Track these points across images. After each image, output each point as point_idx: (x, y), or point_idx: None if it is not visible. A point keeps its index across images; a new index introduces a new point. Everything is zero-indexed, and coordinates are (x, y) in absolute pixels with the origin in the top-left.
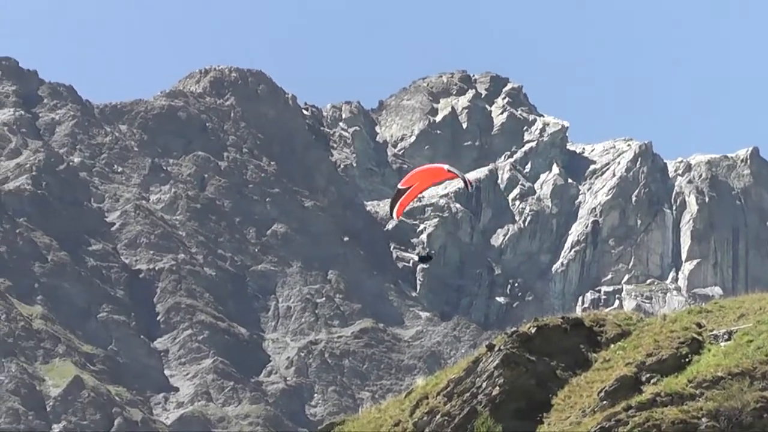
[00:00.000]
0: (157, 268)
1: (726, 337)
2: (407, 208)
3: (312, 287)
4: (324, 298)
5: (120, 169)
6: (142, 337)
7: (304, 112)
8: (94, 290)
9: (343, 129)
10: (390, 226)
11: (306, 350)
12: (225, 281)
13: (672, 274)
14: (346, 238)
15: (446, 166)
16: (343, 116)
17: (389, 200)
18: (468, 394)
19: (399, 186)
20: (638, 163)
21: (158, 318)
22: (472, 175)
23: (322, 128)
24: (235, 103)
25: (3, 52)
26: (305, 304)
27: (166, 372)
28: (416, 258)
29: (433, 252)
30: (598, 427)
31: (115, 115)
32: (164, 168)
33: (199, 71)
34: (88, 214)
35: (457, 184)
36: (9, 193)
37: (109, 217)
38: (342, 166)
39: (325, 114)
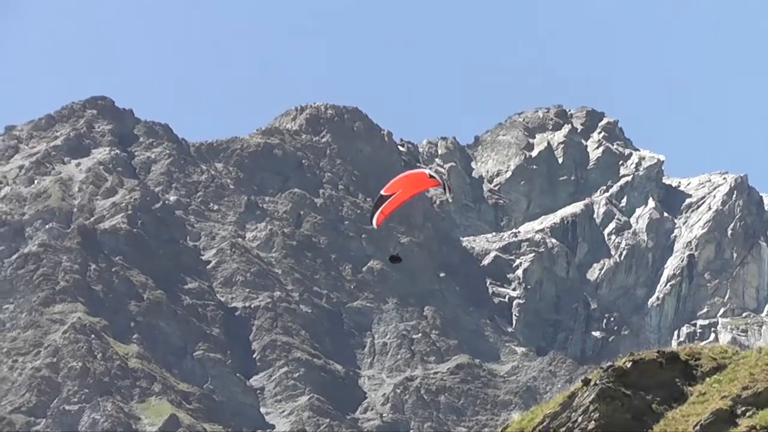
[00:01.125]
0: (252, 305)
1: None
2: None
3: (408, 323)
4: (420, 334)
5: (216, 207)
6: (238, 375)
7: (400, 148)
8: (190, 328)
9: (439, 165)
10: (486, 261)
11: (402, 386)
12: (321, 318)
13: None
14: (442, 274)
15: (428, 171)
16: (439, 152)
17: (485, 236)
18: (564, 429)
19: (382, 192)
20: (734, 196)
21: (254, 355)
22: (568, 210)
23: (418, 164)
24: (331, 140)
25: (99, 92)
26: (401, 341)
27: (262, 410)
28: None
29: (399, 253)
30: None
31: (211, 153)
32: (260, 205)
33: (295, 108)
34: (184, 252)
35: (552, 219)
36: (105, 232)
37: (205, 255)
38: (438, 202)
39: (421, 150)
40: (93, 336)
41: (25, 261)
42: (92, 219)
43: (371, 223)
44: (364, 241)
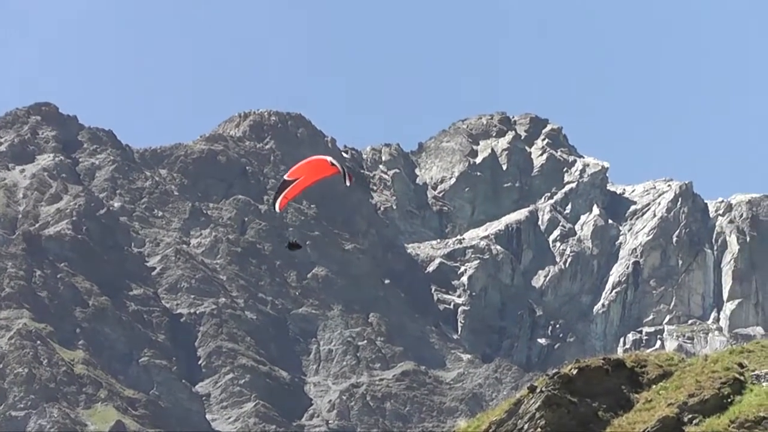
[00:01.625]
0: (198, 312)
1: None
2: (292, 199)
3: (353, 330)
4: (365, 341)
5: (160, 214)
6: (183, 381)
7: (344, 154)
8: (135, 335)
9: (383, 171)
10: (431, 268)
11: (348, 393)
12: (266, 325)
13: (713, 314)
14: (387, 281)
15: (329, 159)
16: (383, 159)
17: (430, 242)
18: None
19: (285, 177)
20: (679, 203)
21: (200, 362)
22: (513, 217)
23: (361, 171)
24: (275, 146)
25: (43, 98)
26: (347, 347)
27: (208, 416)
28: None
29: (298, 240)
30: None
31: (155, 159)
32: (204, 212)
33: (239, 115)
34: (129, 258)
35: (496, 226)
36: (50, 238)
37: (150, 261)
38: (382, 209)
39: (365, 156)
40: (39, 342)
41: None
42: (37, 225)
43: (273, 208)
44: (309, 248)
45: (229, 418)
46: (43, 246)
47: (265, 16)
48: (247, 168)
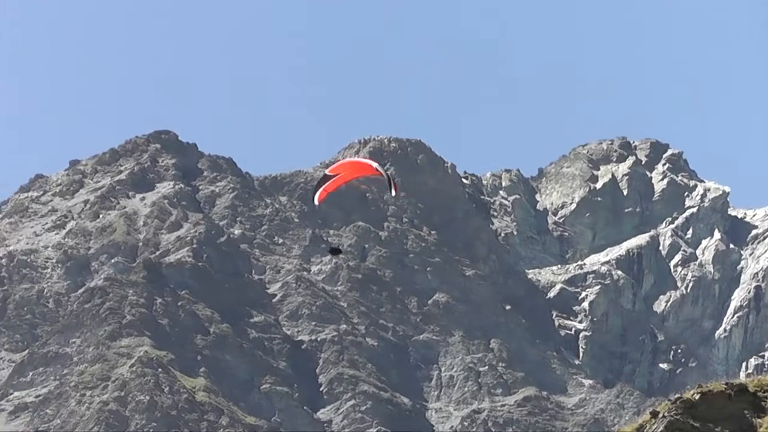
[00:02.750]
0: (319, 339)
1: None
2: (331, 192)
3: (474, 356)
4: (486, 367)
5: (281, 241)
6: (305, 408)
7: (464, 181)
8: (256, 362)
9: (503, 197)
10: (552, 294)
11: (469, 419)
12: (387, 351)
13: None
14: (507, 307)
15: (375, 165)
16: (503, 184)
17: (551, 268)
18: None
19: (326, 172)
20: None
21: (321, 389)
22: (633, 242)
23: (482, 197)
24: (394, 172)
25: (163, 126)
26: (468, 373)
27: None
28: (328, 250)
29: (341, 246)
30: None
31: (275, 186)
32: (325, 239)
33: (359, 141)
34: (250, 285)
35: (617, 251)
36: (170, 266)
37: (271, 288)
38: (503, 235)
39: (485, 182)
40: (160, 370)
41: (91, 295)
42: (157, 253)
43: (312, 200)
44: (429, 274)
45: None
46: (163, 274)
47: (386, 44)
48: (367, 195)
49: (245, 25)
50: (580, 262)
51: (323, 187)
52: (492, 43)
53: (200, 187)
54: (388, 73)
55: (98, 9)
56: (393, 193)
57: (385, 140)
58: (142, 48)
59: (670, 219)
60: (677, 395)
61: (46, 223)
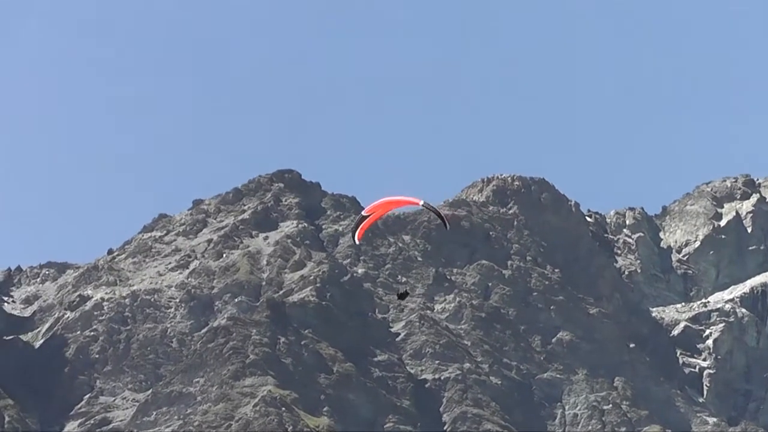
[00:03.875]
0: (442, 377)
1: None
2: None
3: (599, 394)
4: (611, 405)
5: (404, 280)
6: None
7: (588, 219)
8: (380, 400)
9: (627, 235)
10: (676, 332)
11: None
12: (511, 390)
13: None
14: (632, 345)
15: (421, 202)
16: (627, 222)
17: (675, 306)
18: None
19: (363, 213)
20: None
21: (445, 427)
22: (758, 279)
23: (605, 235)
24: (518, 211)
25: (286, 165)
26: (592, 412)
27: None
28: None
29: (407, 289)
30: None
31: (398, 225)
32: (448, 277)
33: (482, 180)
34: (373, 325)
35: (741, 289)
36: (294, 305)
37: (394, 327)
38: (626, 273)
39: (608, 221)
40: (284, 409)
41: (214, 335)
42: (281, 292)
43: (353, 240)
44: (553, 313)
45: None
46: (287, 313)
47: (511, 83)
48: (491, 233)
49: (372, 67)
50: (704, 300)
51: (360, 226)
52: (615, 83)
53: (323, 226)
54: (513, 112)
55: (222, 51)
56: (447, 227)
57: (509, 178)
58: (264, 88)
59: None
60: None
61: (170, 263)
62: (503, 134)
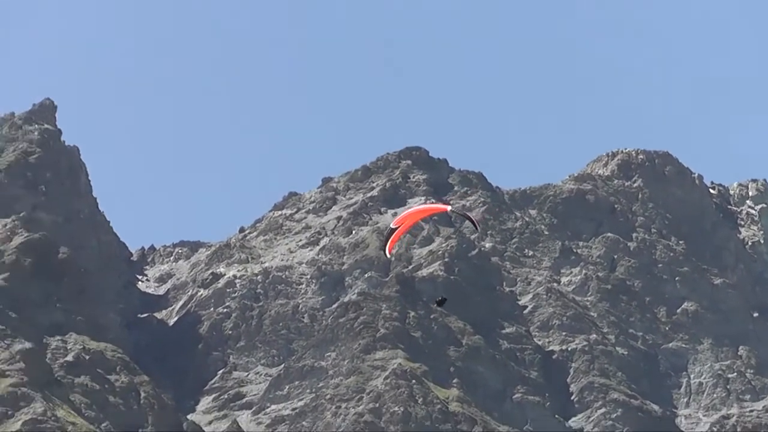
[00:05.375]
0: (569, 348)
1: None
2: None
3: (723, 363)
4: (735, 374)
5: (531, 253)
6: (556, 416)
7: (711, 191)
8: (508, 372)
9: (750, 207)
10: None
11: (719, 425)
12: (637, 360)
13: None
14: (755, 314)
15: (449, 208)
16: (750, 194)
17: None
18: None
19: (391, 225)
20: None
21: (572, 398)
22: None
23: (729, 206)
24: (642, 184)
25: (414, 142)
26: (717, 380)
27: None
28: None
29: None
30: None
31: (525, 200)
32: (574, 251)
33: (607, 154)
34: (501, 298)
35: None
36: (423, 280)
37: (522, 300)
38: (750, 243)
39: (731, 192)
40: (414, 381)
41: (345, 310)
42: (410, 267)
43: (385, 254)
44: (678, 284)
45: None
46: (416, 287)
47: (630, 56)
48: (616, 206)
49: (498, 44)
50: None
51: (390, 239)
52: (737, 56)
53: (451, 202)
54: (636, 86)
55: (350, 28)
56: (477, 229)
57: (633, 152)
58: (392, 66)
59: None
60: None
61: (300, 240)
62: (627, 108)
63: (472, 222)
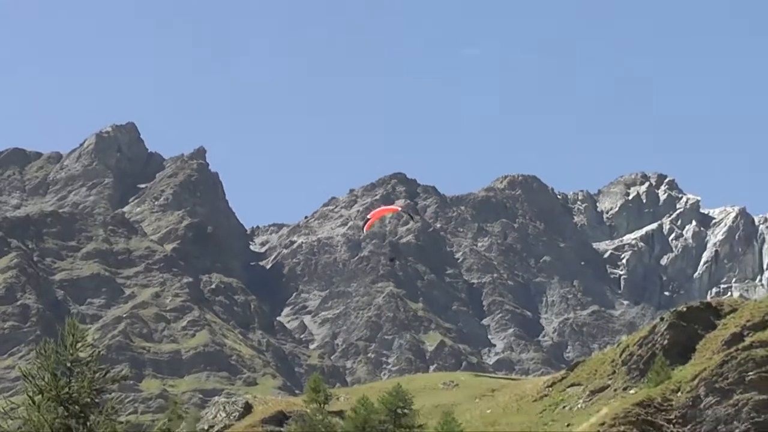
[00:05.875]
0: None
1: None
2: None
3: None
4: None
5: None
6: None
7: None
8: None
9: None
10: None
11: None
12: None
13: None
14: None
15: (399, 208)
16: None
17: None
18: None
19: (368, 216)
20: None
21: None
22: None
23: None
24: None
25: (399, 169)
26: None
27: None
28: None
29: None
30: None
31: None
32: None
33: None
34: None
35: None
36: (403, 244)
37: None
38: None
39: None
40: (399, 300)
41: (361, 260)
42: (395, 238)
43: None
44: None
45: None
46: (399, 249)
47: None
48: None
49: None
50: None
51: (366, 224)
52: None
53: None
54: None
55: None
56: (413, 222)
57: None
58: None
59: None
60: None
61: (337, 222)
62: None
63: (411, 216)
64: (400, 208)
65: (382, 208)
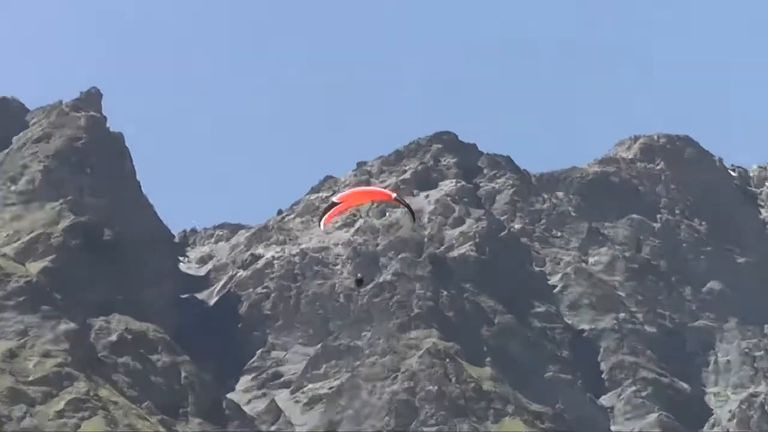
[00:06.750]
0: (599, 327)
1: None
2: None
3: (750, 341)
4: (762, 352)
5: (559, 234)
6: (587, 394)
7: (731, 173)
8: (540, 351)
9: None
10: None
11: (747, 403)
12: (665, 338)
13: None
14: None
15: (394, 195)
16: None
17: None
18: None
19: (334, 200)
20: None
21: (602, 376)
22: None
23: (749, 188)
24: (664, 167)
25: (443, 127)
26: (744, 358)
27: (613, 428)
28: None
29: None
30: None
31: (552, 182)
32: (601, 231)
33: (629, 138)
34: (531, 277)
35: None
36: (454, 260)
37: (551, 279)
38: None
39: (751, 174)
40: (447, 360)
41: (380, 290)
42: (442, 248)
43: (319, 225)
44: (703, 263)
45: (633, 429)
46: (449, 267)
47: (653, 43)
48: (640, 188)
49: (526, 29)
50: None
51: (329, 213)
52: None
53: (481, 185)
54: (657, 71)
55: (382, 15)
56: (413, 221)
57: (655, 137)
58: (422, 54)
59: None
60: None
61: (336, 222)
62: (650, 93)
63: (411, 212)
64: (394, 195)
65: (363, 189)
